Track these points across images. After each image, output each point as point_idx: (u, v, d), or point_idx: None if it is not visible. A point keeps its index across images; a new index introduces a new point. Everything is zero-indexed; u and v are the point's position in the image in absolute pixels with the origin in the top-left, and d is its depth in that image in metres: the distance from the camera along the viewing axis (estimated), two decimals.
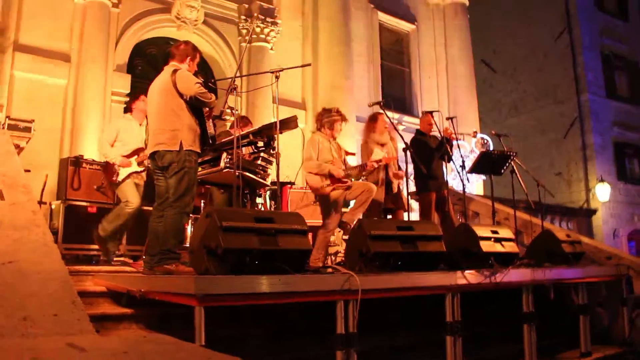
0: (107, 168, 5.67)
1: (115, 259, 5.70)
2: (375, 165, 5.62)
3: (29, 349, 1.65)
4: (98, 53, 8.27)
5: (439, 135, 6.30)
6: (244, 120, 6.06)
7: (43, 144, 7.32)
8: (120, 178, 5.56)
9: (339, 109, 5.79)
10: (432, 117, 6.41)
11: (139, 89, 8.24)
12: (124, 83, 8.64)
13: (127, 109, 6.11)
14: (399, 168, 6.09)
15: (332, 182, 5.35)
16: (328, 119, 5.60)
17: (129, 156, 5.63)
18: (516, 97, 18.31)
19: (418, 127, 6.93)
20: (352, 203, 5.69)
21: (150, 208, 5.51)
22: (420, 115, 10.29)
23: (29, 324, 2.12)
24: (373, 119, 6.06)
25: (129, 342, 1.78)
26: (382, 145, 5.89)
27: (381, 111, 5.80)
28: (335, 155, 5.55)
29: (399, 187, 6.04)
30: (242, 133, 4.67)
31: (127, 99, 8.57)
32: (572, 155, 16.75)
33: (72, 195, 6.33)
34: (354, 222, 5.06)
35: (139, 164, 5.70)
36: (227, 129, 6.20)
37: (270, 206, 6.57)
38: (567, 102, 16.93)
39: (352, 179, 5.48)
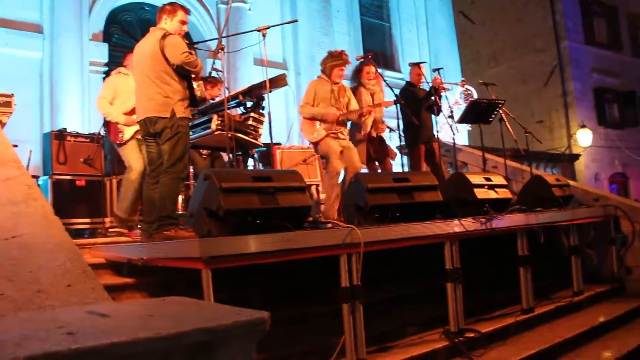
0: (110, 128, 5.34)
1: (110, 230, 5.65)
2: (373, 109, 5.61)
3: (51, 319, 1.63)
4: (71, 22, 8.03)
5: (428, 87, 6.29)
6: (213, 81, 5.85)
7: (22, 118, 7.12)
8: (126, 137, 5.22)
9: (343, 52, 5.64)
10: (421, 68, 6.37)
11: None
12: (101, 52, 8.44)
13: (121, 64, 5.67)
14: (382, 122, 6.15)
15: (326, 127, 5.32)
16: (330, 63, 5.53)
17: (130, 113, 5.21)
18: (495, 48, 18.21)
19: (400, 81, 6.92)
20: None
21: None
22: (401, 69, 10.21)
23: (43, 296, 2.11)
24: (360, 67, 6.09)
25: (150, 306, 1.77)
26: (372, 93, 5.92)
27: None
28: (334, 100, 5.47)
29: (381, 137, 6.08)
30: (232, 94, 4.60)
31: (106, 68, 8.38)
32: (553, 102, 16.84)
33: (59, 170, 6.21)
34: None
35: None
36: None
37: (260, 167, 6.54)
38: (546, 51, 16.91)
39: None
